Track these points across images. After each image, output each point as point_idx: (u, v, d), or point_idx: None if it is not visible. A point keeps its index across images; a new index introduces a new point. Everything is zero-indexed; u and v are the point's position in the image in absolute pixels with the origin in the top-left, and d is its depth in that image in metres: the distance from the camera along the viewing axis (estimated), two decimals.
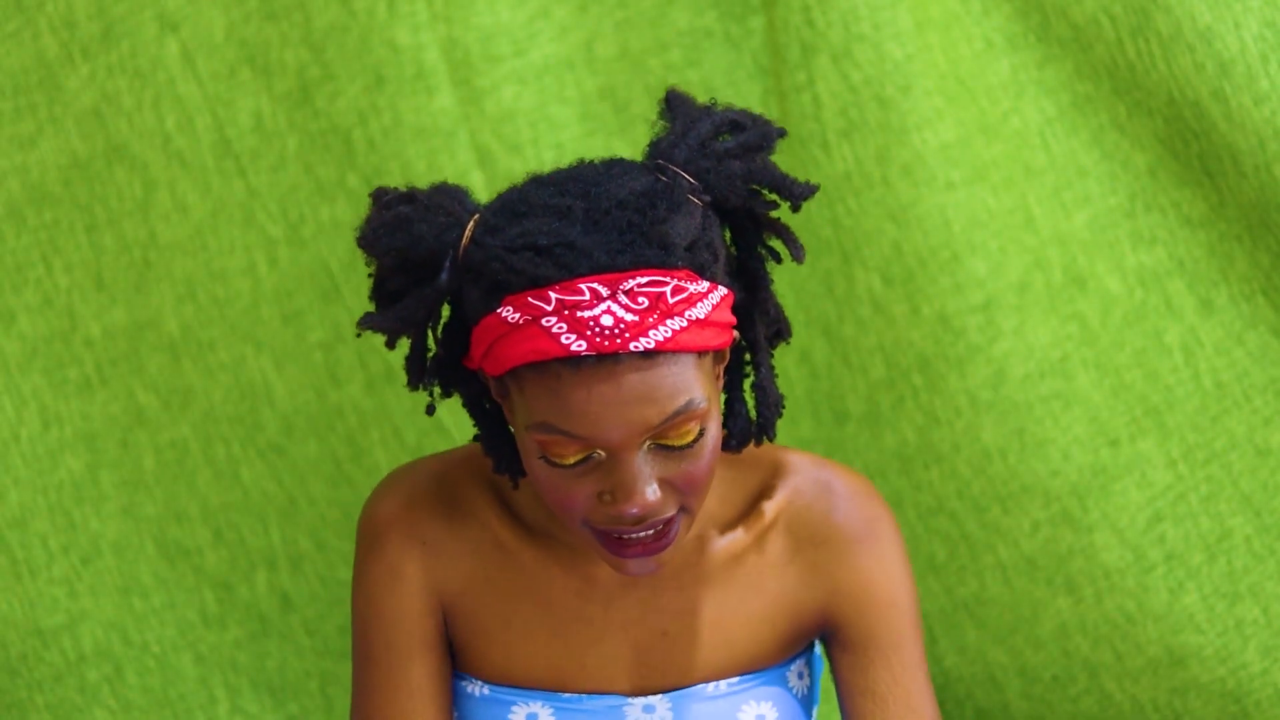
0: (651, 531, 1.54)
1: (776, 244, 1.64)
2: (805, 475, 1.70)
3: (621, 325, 1.47)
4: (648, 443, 1.51)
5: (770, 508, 1.69)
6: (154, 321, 2.23)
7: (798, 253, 1.63)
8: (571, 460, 1.51)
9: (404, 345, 1.63)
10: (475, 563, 1.68)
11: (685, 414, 1.50)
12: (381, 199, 1.59)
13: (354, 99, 2.21)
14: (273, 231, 2.24)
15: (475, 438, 1.65)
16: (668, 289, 1.49)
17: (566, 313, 1.47)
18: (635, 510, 1.51)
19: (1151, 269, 2.20)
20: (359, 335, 1.61)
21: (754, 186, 1.59)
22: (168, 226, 2.22)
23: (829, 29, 2.17)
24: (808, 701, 1.74)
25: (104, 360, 2.22)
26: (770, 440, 1.66)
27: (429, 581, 1.68)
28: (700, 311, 1.50)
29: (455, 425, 2.26)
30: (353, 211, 2.23)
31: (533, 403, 1.50)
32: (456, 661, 1.71)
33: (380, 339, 2.24)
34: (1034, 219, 2.20)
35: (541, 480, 1.54)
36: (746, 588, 1.68)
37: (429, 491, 1.68)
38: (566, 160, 2.22)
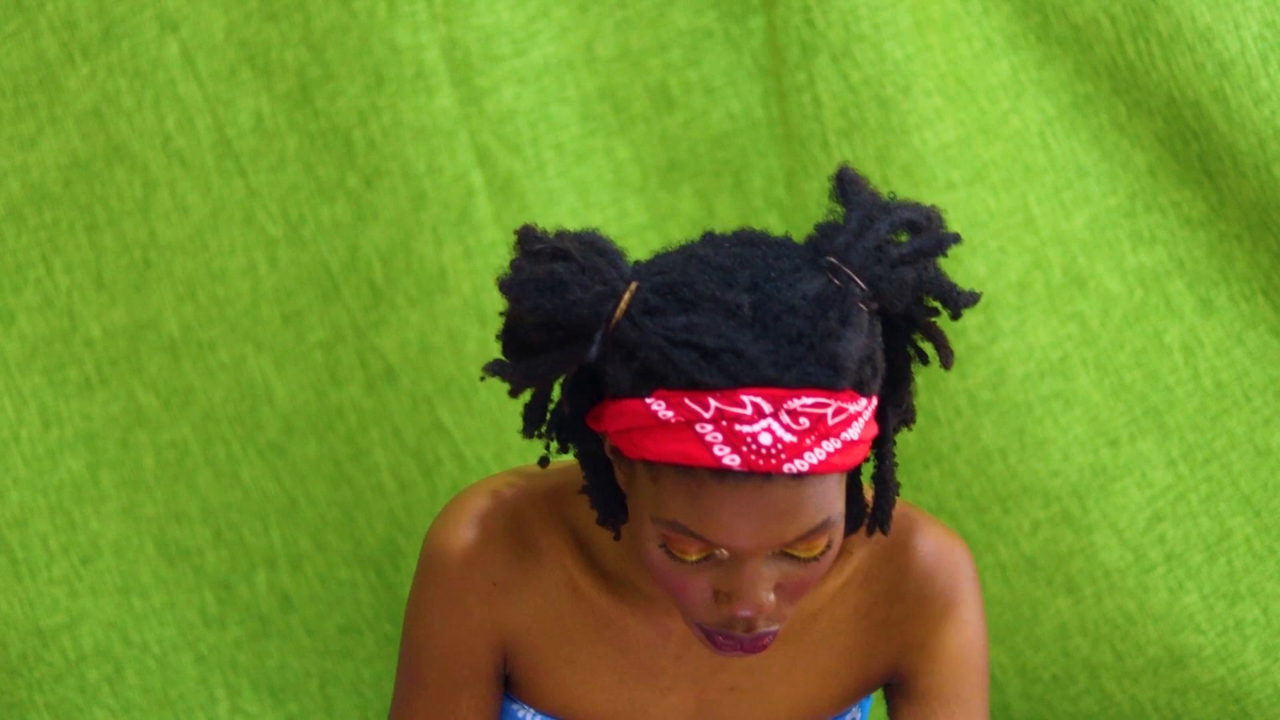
0: (752, 638, 1.49)
1: (925, 345, 1.56)
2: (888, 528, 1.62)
3: (779, 445, 1.40)
4: (774, 549, 1.45)
5: (849, 563, 1.63)
6: (154, 321, 2.23)
7: (947, 358, 1.54)
8: (694, 558, 1.45)
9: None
10: (545, 602, 1.62)
11: (821, 531, 1.44)
12: (531, 247, 1.48)
13: (354, 99, 2.21)
14: (273, 231, 2.24)
15: (582, 489, 1.57)
16: (829, 410, 1.41)
17: (725, 424, 1.40)
18: (749, 614, 1.45)
19: (1151, 269, 2.20)
20: (483, 379, 1.53)
21: (921, 295, 1.50)
22: (168, 226, 2.22)
23: (829, 29, 2.17)
24: None
25: (104, 360, 2.22)
26: (884, 534, 1.58)
27: (494, 619, 1.62)
28: (854, 432, 1.43)
29: (455, 425, 2.26)
30: (353, 211, 2.23)
31: (666, 499, 1.43)
32: (513, 691, 1.66)
33: (382, 339, 2.26)
34: (1034, 219, 2.20)
35: (656, 565, 1.48)
36: (819, 643, 1.63)
37: (504, 529, 1.61)
38: (567, 160, 2.24)
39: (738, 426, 1.39)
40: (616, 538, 1.56)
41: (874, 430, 1.46)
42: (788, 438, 1.40)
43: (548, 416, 1.53)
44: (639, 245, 2.24)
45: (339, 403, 2.26)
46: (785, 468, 1.40)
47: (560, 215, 2.23)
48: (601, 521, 1.55)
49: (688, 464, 1.41)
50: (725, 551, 1.44)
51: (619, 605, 1.61)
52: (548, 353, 1.46)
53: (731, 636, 1.49)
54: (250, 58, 2.21)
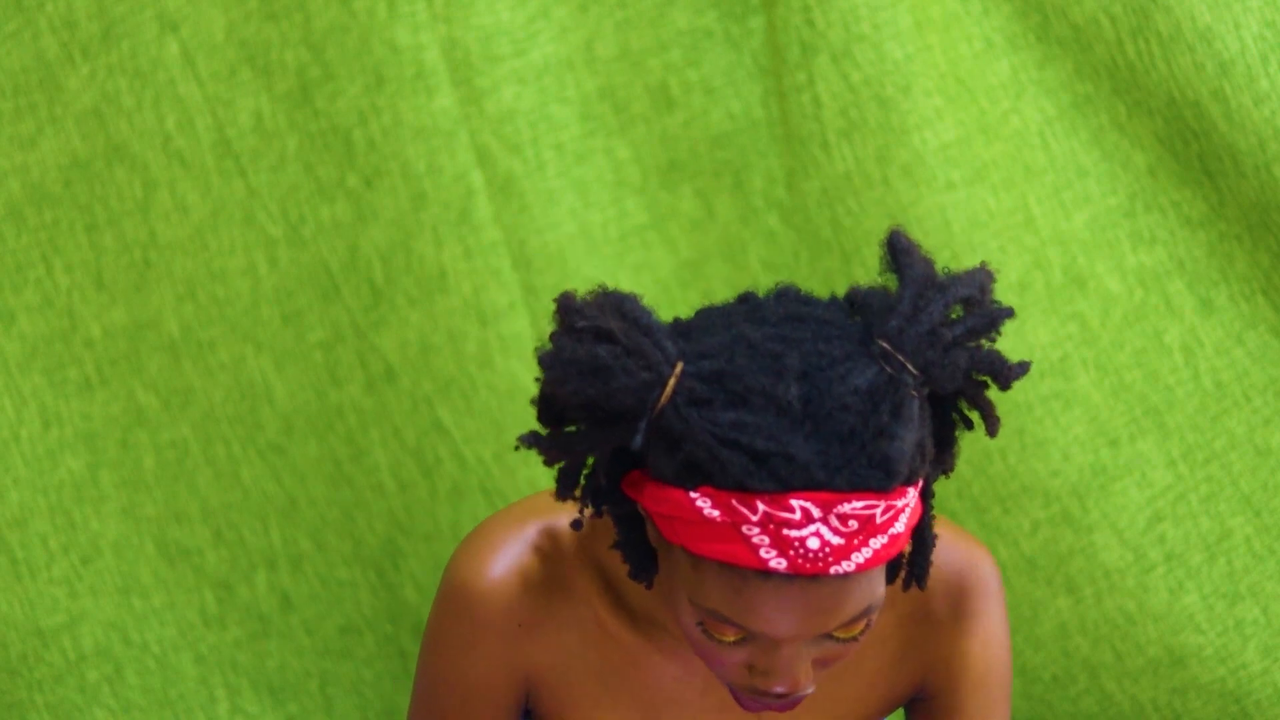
0: (785, 703, 1.48)
1: (972, 414, 1.51)
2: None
3: (827, 549, 1.36)
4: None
5: None
6: (154, 321, 2.23)
7: (993, 426, 1.49)
8: (731, 639, 1.44)
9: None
10: (571, 639, 1.59)
11: (863, 620, 1.43)
12: (573, 322, 1.42)
13: (354, 99, 2.21)
14: (273, 231, 2.24)
15: (614, 545, 1.52)
16: (879, 509, 1.37)
17: (772, 528, 1.36)
18: (783, 690, 1.44)
19: (1151, 269, 2.20)
20: (517, 449, 1.47)
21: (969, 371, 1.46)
22: (168, 226, 2.22)
23: (829, 29, 2.17)
24: None
25: (104, 360, 2.22)
26: (920, 588, 1.53)
27: (518, 658, 1.59)
28: (901, 525, 1.40)
29: (455, 425, 2.26)
30: (353, 211, 2.23)
31: (707, 589, 1.41)
32: None
33: (382, 339, 2.26)
34: (1034, 219, 2.20)
35: (691, 638, 1.45)
36: (847, 670, 1.61)
37: (531, 569, 1.58)
38: (567, 160, 2.24)
39: (786, 531, 1.36)
40: (649, 588, 1.53)
41: (919, 512, 1.44)
42: (836, 540, 1.37)
43: (582, 481, 1.48)
44: (639, 245, 2.24)
45: (339, 403, 2.26)
46: (832, 570, 1.37)
47: (560, 215, 2.23)
48: (634, 576, 1.51)
49: (735, 564, 1.38)
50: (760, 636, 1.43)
51: (646, 644, 1.59)
52: (588, 433, 1.42)
53: (764, 701, 1.47)
54: (250, 58, 2.21)
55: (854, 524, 1.37)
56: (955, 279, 1.44)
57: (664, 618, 1.57)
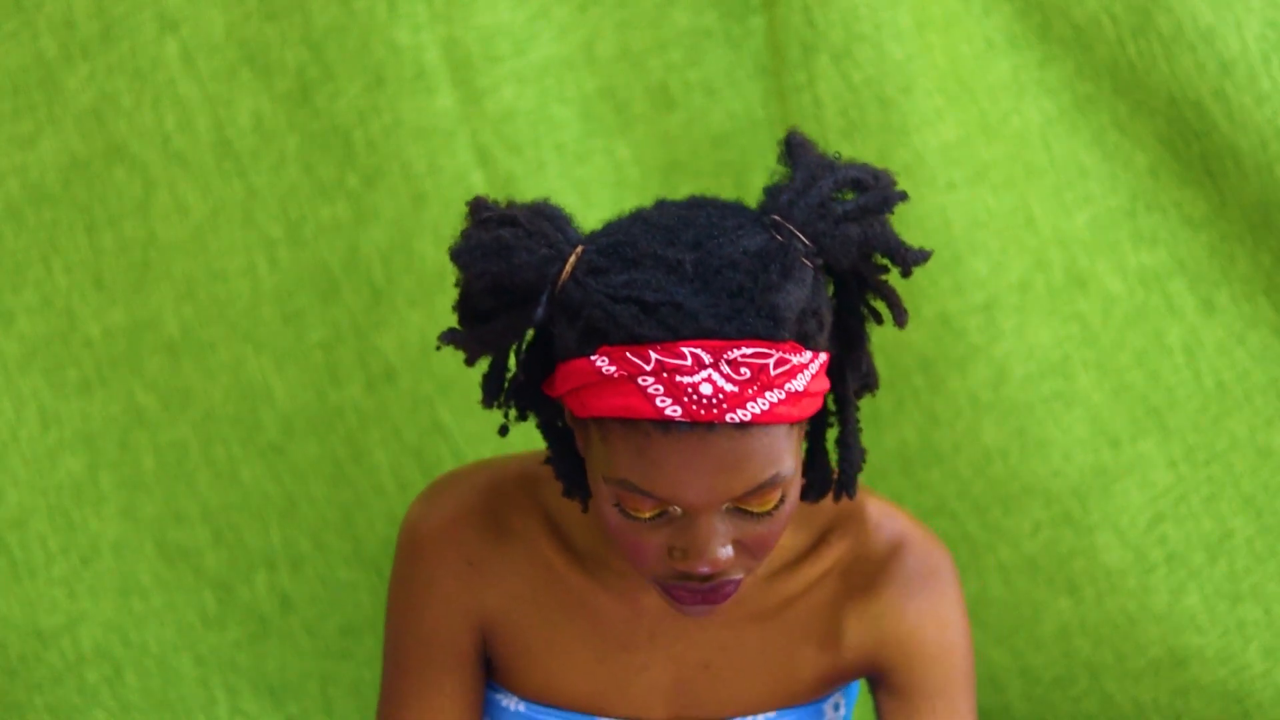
0: (712, 586, 1.51)
1: (879, 305, 1.59)
2: (868, 523, 1.67)
3: (720, 395, 1.42)
4: (726, 505, 1.48)
5: (828, 554, 1.66)
6: (154, 321, 2.23)
7: (900, 317, 1.58)
8: (647, 515, 1.48)
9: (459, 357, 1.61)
10: (521, 583, 1.65)
11: (771, 485, 1.47)
12: (480, 215, 1.53)
13: (354, 99, 2.21)
14: (273, 231, 2.24)
15: (546, 460, 1.62)
16: (771, 361, 1.44)
17: (665, 375, 1.43)
18: (705, 569, 1.48)
19: (1153, 269, 2.20)
20: (439, 349, 1.57)
21: (868, 252, 1.54)
22: (168, 226, 2.22)
23: (829, 29, 2.16)
24: None
25: (104, 360, 2.22)
26: (850, 498, 1.62)
27: (471, 600, 1.66)
28: (799, 384, 1.45)
29: (455, 425, 2.26)
30: (353, 211, 2.23)
31: (615, 457, 1.46)
32: (494, 675, 1.69)
33: (382, 339, 2.26)
34: (1035, 219, 2.20)
35: (612, 527, 1.50)
36: (795, 628, 1.66)
37: (478, 508, 1.65)
38: (567, 160, 2.24)
39: (679, 378, 1.42)
40: (584, 509, 1.59)
41: (825, 384, 1.48)
42: (729, 388, 1.42)
43: (505, 385, 1.57)
44: None
45: (339, 403, 2.26)
46: (727, 417, 1.42)
47: None
48: (567, 492, 1.58)
49: (632, 417, 1.43)
50: (678, 509, 1.46)
51: (593, 583, 1.64)
52: (498, 318, 1.50)
53: (691, 589, 1.50)
54: (250, 58, 2.21)
55: (746, 372, 1.42)
56: (849, 164, 1.52)
57: (609, 554, 1.63)
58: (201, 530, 2.26)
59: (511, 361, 1.57)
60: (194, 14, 2.18)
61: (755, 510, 1.48)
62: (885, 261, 1.55)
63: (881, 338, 2.22)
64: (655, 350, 1.43)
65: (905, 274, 1.54)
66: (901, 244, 1.53)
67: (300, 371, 2.26)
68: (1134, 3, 2.11)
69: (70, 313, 2.20)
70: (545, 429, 1.58)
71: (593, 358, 1.45)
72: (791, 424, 1.47)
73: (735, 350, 1.42)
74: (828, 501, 1.65)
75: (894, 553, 1.65)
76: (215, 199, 2.22)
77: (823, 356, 1.48)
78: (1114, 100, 2.17)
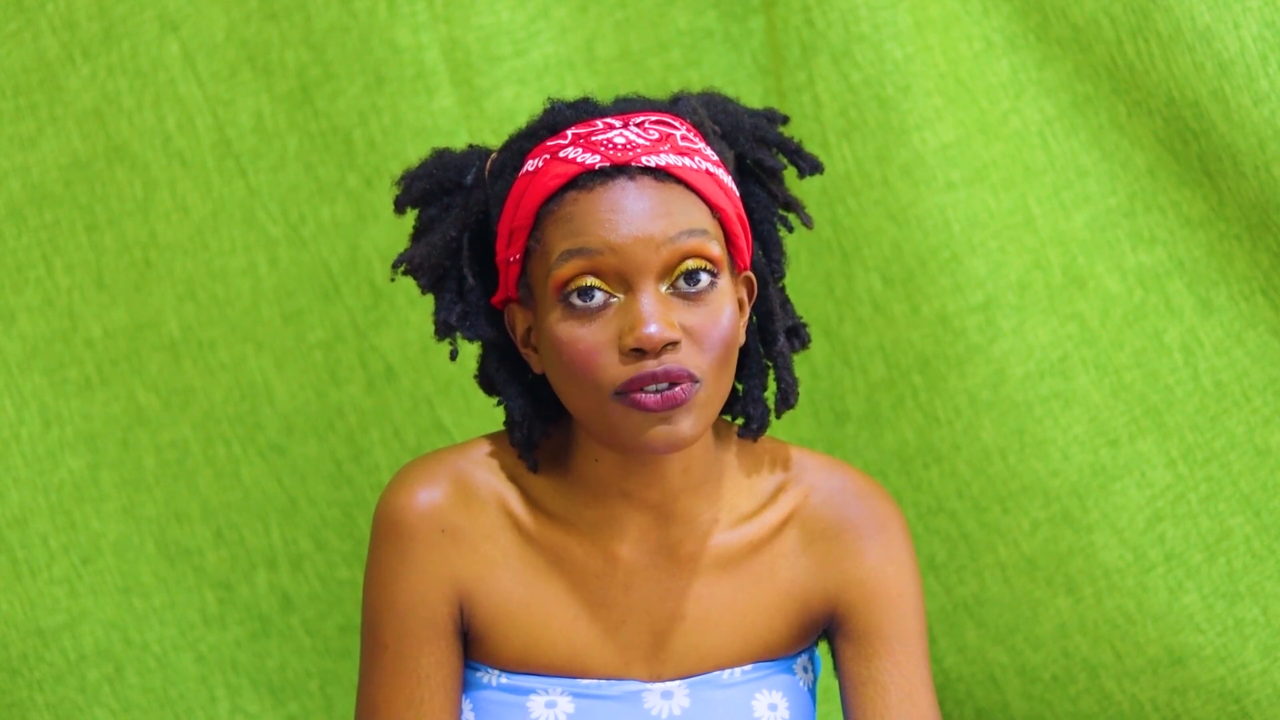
0: (668, 384, 1.58)
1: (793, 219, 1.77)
2: (820, 473, 1.77)
3: (633, 144, 1.61)
4: (663, 286, 1.59)
5: (786, 501, 1.75)
6: (154, 321, 2.23)
7: (807, 219, 1.77)
8: (590, 284, 1.59)
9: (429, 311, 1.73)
10: (494, 548, 1.70)
11: (696, 241, 1.59)
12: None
13: (354, 99, 2.22)
14: (273, 231, 2.24)
15: (497, 403, 1.74)
16: (677, 134, 1.64)
17: (582, 141, 1.62)
18: (653, 330, 1.57)
19: (1151, 269, 2.20)
20: (393, 280, 1.73)
21: (762, 140, 1.73)
22: (168, 226, 2.22)
23: (829, 29, 2.17)
24: (812, 694, 1.77)
25: (104, 360, 2.22)
26: (790, 407, 1.75)
27: (446, 569, 1.70)
28: (707, 164, 1.64)
29: (455, 425, 2.26)
30: (353, 211, 2.23)
31: (553, 243, 1.61)
32: (473, 651, 1.72)
33: (382, 339, 2.26)
34: (1033, 219, 2.20)
35: (566, 346, 1.60)
36: (761, 576, 1.73)
37: (447, 479, 1.71)
38: None
39: (594, 137, 1.63)
40: (534, 467, 1.70)
41: (735, 201, 1.66)
42: (641, 140, 1.62)
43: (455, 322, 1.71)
44: None
45: (339, 403, 2.26)
46: (642, 159, 1.61)
47: None
48: (513, 439, 1.71)
49: (560, 184, 1.61)
50: (620, 295, 1.59)
51: (564, 540, 1.71)
52: (439, 218, 1.71)
53: (650, 393, 1.59)
54: (250, 58, 2.21)
55: (654, 132, 1.64)
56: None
57: (574, 509, 1.70)
58: (202, 529, 2.26)
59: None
60: (195, 14, 2.19)
61: (690, 289, 1.59)
62: (784, 159, 1.75)
63: (881, 337, 2.24)
64: (572, 128, 1.64)
65: (801, 174, 1.76)
66: (793, 143, 1.76)
67: (300, 371, 2.26)
68: (1132, 3, 2.12)
69: (71, 312, 2.21)
70: (494, 365, 1.73)
71: (524, 168, 1.64)
72: (712, 212, 1.63)
73: (643, 116, 1.65)
74: (774, 456, 1.76)
75: (847, 500, 1.76)
76: (216, 199, 2.22)
77: (729, 178, 1.66)
78: (1112, 100, 2.17)
